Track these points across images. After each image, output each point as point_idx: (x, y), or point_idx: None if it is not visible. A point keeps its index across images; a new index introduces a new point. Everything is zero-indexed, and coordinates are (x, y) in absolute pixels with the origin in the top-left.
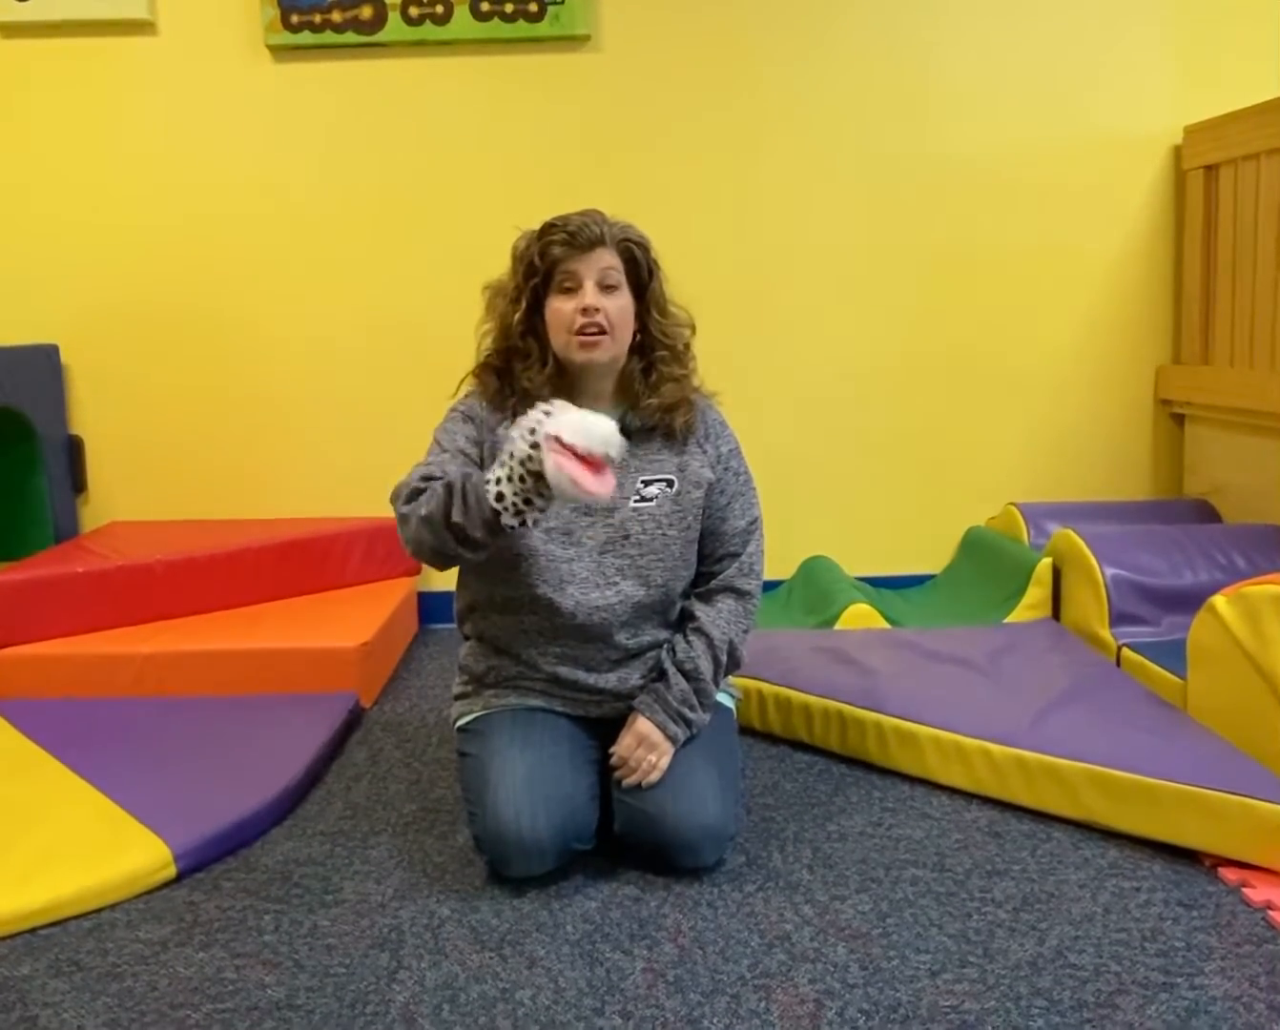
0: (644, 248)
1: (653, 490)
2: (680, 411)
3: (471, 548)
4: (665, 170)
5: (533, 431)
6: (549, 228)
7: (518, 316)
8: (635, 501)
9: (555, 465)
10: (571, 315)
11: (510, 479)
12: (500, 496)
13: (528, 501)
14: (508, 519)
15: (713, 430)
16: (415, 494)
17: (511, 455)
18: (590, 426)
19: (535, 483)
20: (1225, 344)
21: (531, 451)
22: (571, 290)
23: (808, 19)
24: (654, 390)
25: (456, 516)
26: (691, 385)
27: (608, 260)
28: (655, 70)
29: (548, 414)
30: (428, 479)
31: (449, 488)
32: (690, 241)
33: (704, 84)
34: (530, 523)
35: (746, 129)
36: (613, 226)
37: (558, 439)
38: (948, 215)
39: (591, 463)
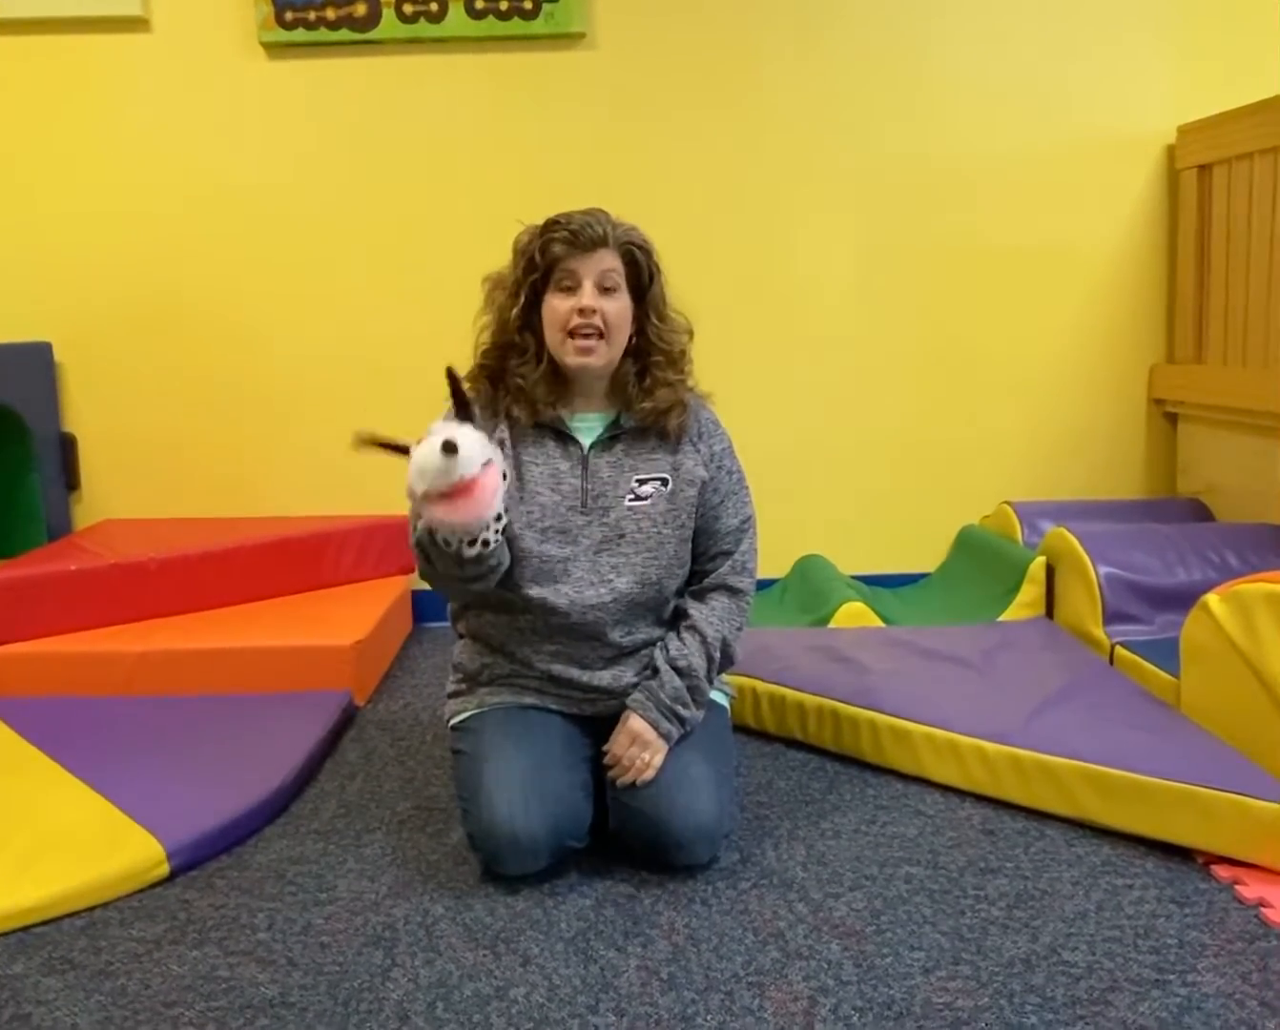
0: (646, 251)
1: (647, 489)
2: (674, 414)
3: (478, 580)
4: (661, 168)
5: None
6: (551, 224)
7: (515, 311)
8: (630, 500)
9: (430, 519)
10: (568, 314)
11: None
12: (446, 541)
13: (456, 535)
14: (467, 552)
15: (705, 429)
16: (418, 544)
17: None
18: (422, 469)
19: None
20: (1219, 343)
21: (419, 512)
22: (570, 289)
23: (803, 18)
24: (648, 394)
25: (440, 567)
26: (686, 389)
27: (609, 262)
28: (651, 68)
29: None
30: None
31: (421, 547)
32: (685, 240)
33: (700, 82)
34: (495, 539)
35: (742, 127)
36: (616, 228)
37: (415, 494)
38: (942, 215)
39: (456, 490)
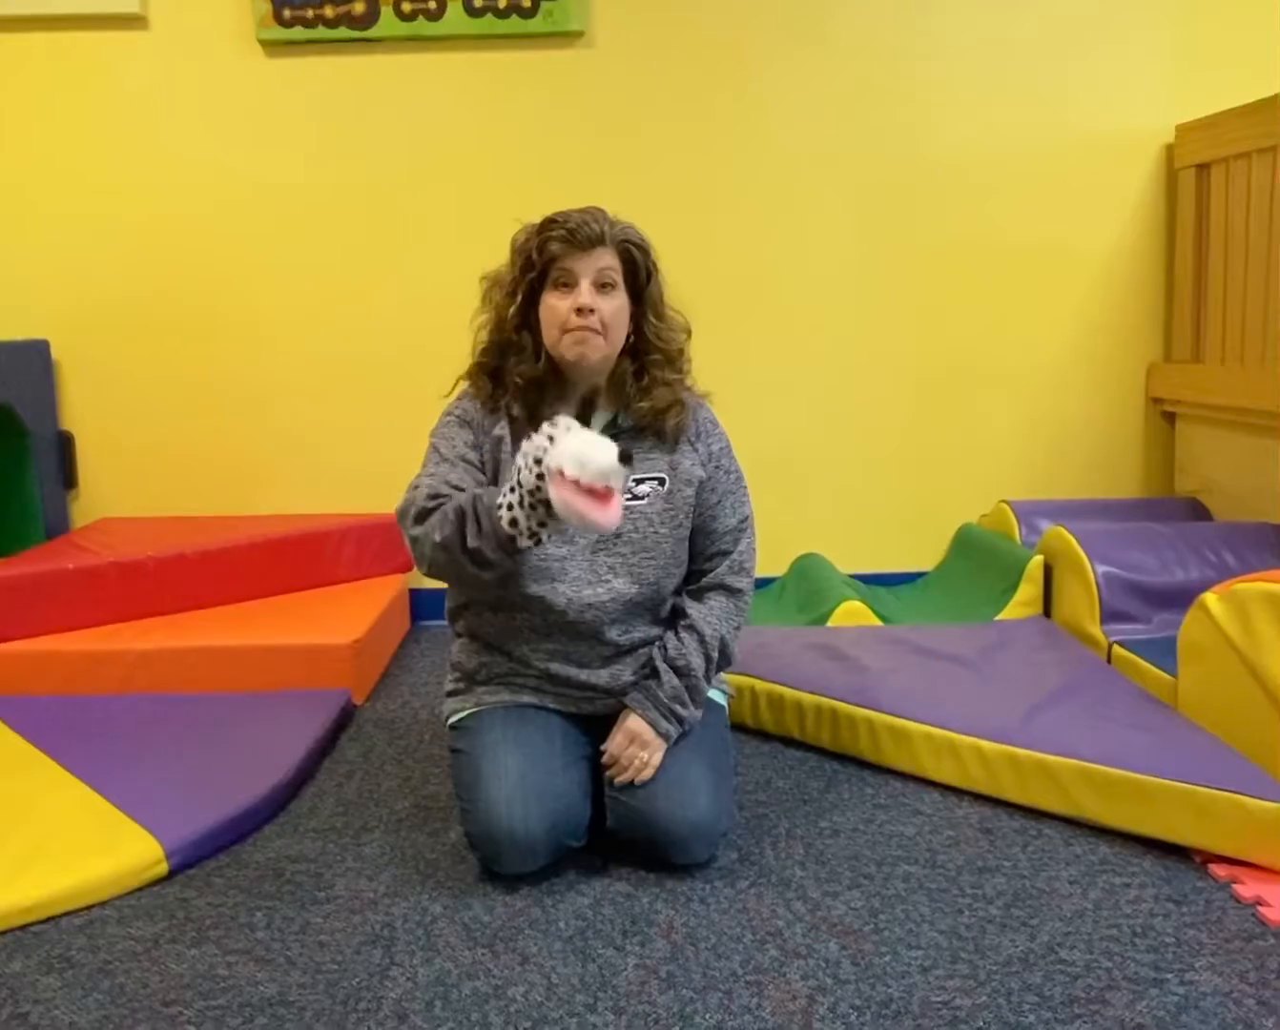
0: (644, 250)
1: (644, 488)
2: (671, 414)
3: (489, 568)
4: (659, 167)
5: (538, 461)
6: (549, 223)
7: (512, 310)
8: (627, 500)
9: (561, 500)
10: (565, 313)
11: (521, 505)
12: (514, 522)
13: (541, 524)
14: (523, 541)
15: (703, 429)
16: (425, 514)
17: (520, 483)
18: (589, 458)
19: (545, 510)
20: (1216, 342)
21: (538, 483)
22: (567, 287)
23: (801, 17)
24: (645, 393)
25: (472, 542)
26: (684, 388)
27: (606, 260)
28: (649, 67)
29: (552, 440)
30: (435, 497)
31: (460, 512)
32: (683, 239)
33: (698, 80)
34: (544, 538)
35: (740, 126)
36: (614, 226)
37: (560, 472)
38: (940, 213)
39: (596, 490)
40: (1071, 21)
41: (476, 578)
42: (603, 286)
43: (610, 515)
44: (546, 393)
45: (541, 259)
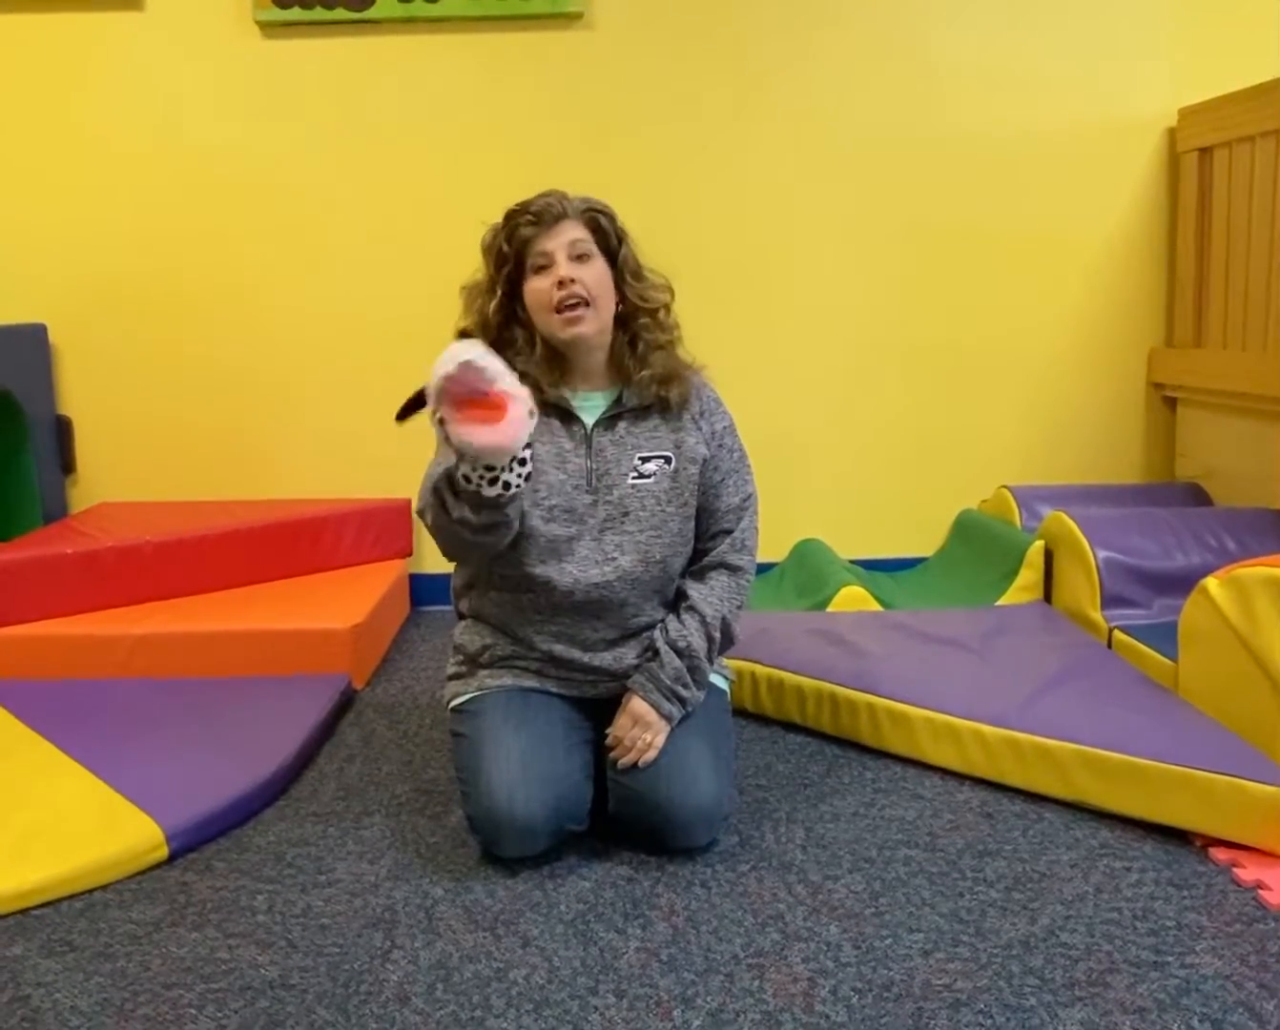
0: (609, 216)
1: (650, 467)
2: (675, 384)
3: (484, 531)
4: (658, 148)
5: (433, 411)
6: (512, 213)
7: (493, 307)
8: (633, 478)
9: (452, 434)
10: (550, 291)
11: (455, 457)
12: (466, 477)
13: (489, 466)
14: (487, 490)
15: (707, 407)
16: (435, 489)
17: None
18: (450, 355)
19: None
20: (1218, 327)
21: (440, 428)
22: (545, 268)
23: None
24: (644, 362)
25: (455, 513)
26: (677, 352)
27: (575, 232)
28: (648, 47)
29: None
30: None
31: (436, 491)
32: (684, 220)
33: (698, 61)
34: (517, 483)
35: (740, 108)
36: (574, 200)
37: (437, 397)
38: (941, 196)
39: (489, 405)
40: (1073, 5)
41: (479, 542)
42: (578, 257)
43: (499, 435)
44: (549, 374)
45: (513, 248)
